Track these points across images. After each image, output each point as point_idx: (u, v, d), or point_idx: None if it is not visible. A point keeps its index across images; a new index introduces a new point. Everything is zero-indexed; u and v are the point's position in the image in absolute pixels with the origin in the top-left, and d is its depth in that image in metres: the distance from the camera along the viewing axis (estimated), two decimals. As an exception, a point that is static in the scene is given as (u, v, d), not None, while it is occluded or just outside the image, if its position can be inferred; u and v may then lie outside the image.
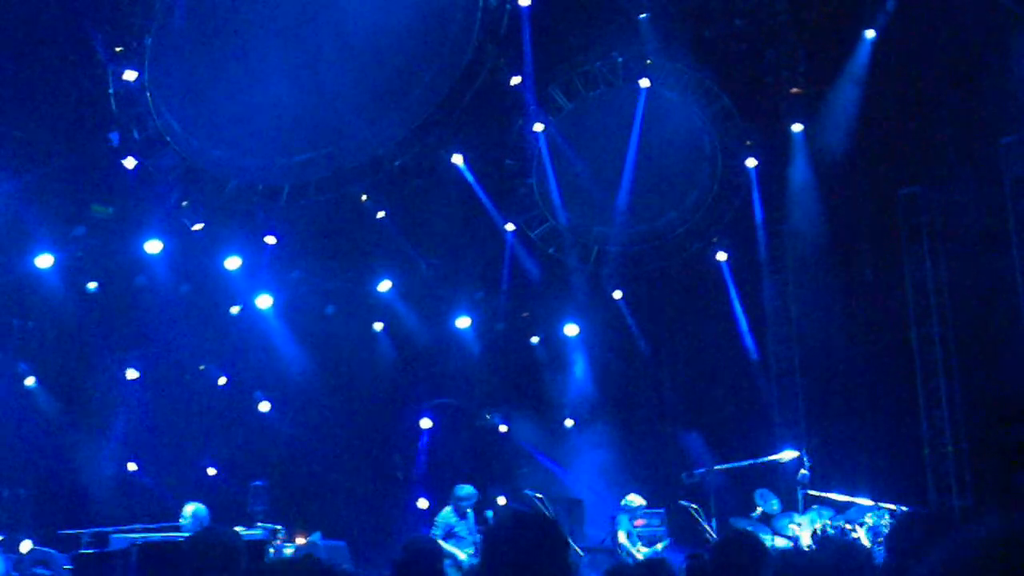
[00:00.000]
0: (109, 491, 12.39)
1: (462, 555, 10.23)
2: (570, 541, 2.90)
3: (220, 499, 11.34)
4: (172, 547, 7.52)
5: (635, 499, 11.33)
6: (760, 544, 4.01)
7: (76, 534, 9.41)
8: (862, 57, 12.81)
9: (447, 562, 10.26)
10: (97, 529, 9.20)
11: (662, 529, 11.53)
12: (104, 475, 12.65)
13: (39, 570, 9.53)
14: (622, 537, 10.99)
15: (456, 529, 10.41)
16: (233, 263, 13.19)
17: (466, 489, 10.43)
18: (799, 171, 13.69)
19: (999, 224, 12.52)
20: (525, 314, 15.02)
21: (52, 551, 9.81)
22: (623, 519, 11.19)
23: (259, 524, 9.74)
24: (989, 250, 12.66)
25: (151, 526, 8.94)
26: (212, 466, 13.22)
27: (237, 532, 4.46)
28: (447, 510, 10.43)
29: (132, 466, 12.81)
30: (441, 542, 10.38)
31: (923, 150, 13.21)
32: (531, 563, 2.61)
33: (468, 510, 10.47)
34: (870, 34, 12.71)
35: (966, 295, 13.06)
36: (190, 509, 9.14)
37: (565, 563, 2.71)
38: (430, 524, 12.97)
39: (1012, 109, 12.13)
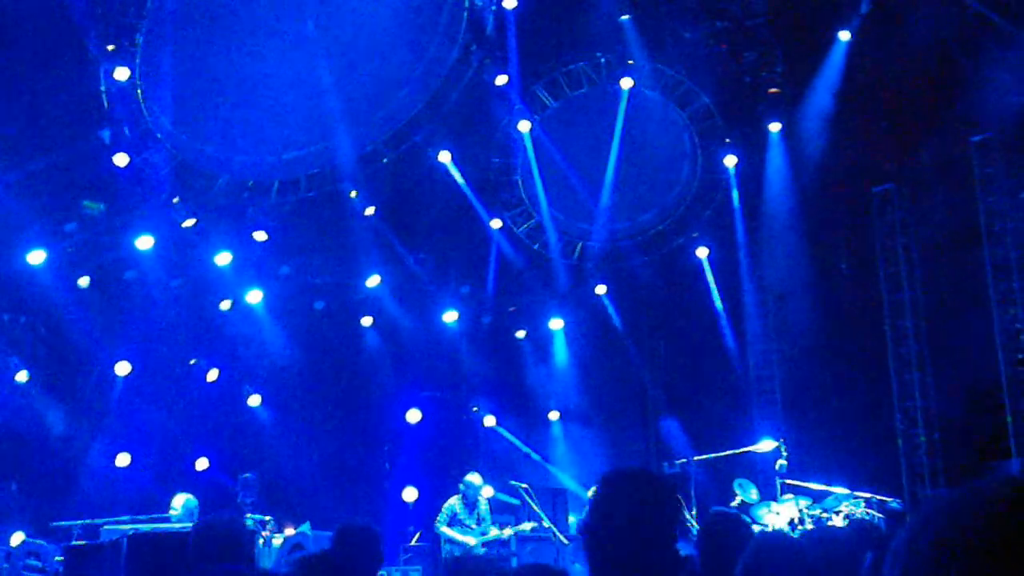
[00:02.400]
0: (100, 483, 12.47)
1: (471, 541, 10.46)
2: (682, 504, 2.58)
3: (210, 491, 11.52)
4: (162, 538, 7.64)
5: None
6: (744, 524, 4.17)
7: (67, 526, 9.50)
8: (837, 58, 13.12)
9: (451, 547, 10.56)
10: (88, 521, 9.32)
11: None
12: (95, 468, 12.73)
13: (31, 562, 9.65)
14: None
15: (460, 516, 10.69)
16: (223, 259, 13.33)
17: (472, 477, 10.76)
18: (777, 169, 14.00)
19: (970, 220, 12.90)
20: (511, 309, 15.24)
21: (43, 543, 9.93)
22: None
23: (249, 515, 9.88)
24: (960, 246, 13.04)
25: (141, 517, 9.03)
26: (202, 458, 13.35)
27: (241, 519, 4.34)
28: (455, 498, 10.73)
29: (123, 458, 12.91)
30: (445, 528, 10.67)
31: (896, 149, 13.56)
32: (642, 521, 2.46)
33: (477, 499, 10.77)
34: (845, 36, 13.01)
35: (938, 289, 13.45)
36: (180, 500, 9.27)
37: (676, 521, 2.56)
38: (416, 514, 13.24)
39: (981, 109, 12.48)
